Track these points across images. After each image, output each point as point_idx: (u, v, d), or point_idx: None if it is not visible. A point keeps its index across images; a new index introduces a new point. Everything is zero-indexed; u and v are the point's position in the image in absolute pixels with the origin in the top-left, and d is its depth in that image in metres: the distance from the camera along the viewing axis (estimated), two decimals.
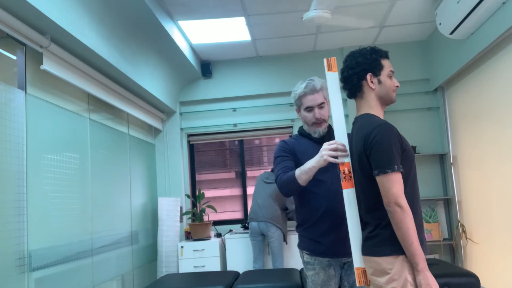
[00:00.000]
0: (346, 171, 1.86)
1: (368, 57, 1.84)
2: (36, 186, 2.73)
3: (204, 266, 4.68)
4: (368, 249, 1.74)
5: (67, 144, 3.15)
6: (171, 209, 4.79)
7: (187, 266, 4.69)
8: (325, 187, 2.15)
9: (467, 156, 4.51)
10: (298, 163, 2.13)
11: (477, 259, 4.42)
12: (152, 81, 4.42)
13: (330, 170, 2.14)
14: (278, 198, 4.52)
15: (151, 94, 4.44)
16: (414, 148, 5.10)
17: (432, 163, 5.21)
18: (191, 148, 5.63)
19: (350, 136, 1.93)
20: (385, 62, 1.86)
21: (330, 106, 1.97)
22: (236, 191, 5.60)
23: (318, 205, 2.15)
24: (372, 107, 1.85)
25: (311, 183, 2.08)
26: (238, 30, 4.55)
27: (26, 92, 2.70)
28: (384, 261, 1.67)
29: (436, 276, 1.75)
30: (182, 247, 4.71)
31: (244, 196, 5.54)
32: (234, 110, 5.46)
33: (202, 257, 4.70)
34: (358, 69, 1.84)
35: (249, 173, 5.58)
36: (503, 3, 3.32)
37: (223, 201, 5.60)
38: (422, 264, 1.59)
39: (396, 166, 1.65)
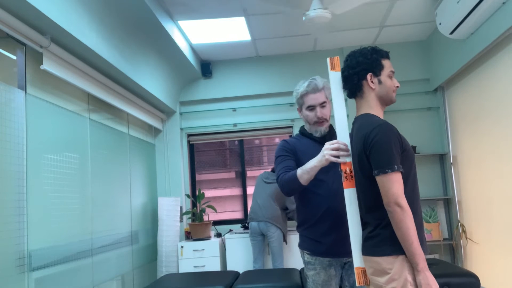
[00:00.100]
0: (348, 171, 1.86)
1: (368, 57, 1.84)
2: (36, 186, 2.73)
3: (204, 266, 4.68)
4: (368, 249, 1.74)
5: (67, 144, 3.15)
6: (171, 209, 4.79)
7: (187, 266, 4.69)
8: (326, 187, 2.15)
9: (467, 156, 4.51)
10: (299, 163, 2.13)
11: (477, 259, 4.42)
12: (152, 81, 4.42)
13: (331, 170, 2.14)
14: (278, 198, 4.52)
15: (151, 94, 4.44)
16: (414, 148, 5.10)
17: (432, 163, 5.21)
18: (191, 148, 5.63)
19: (350, 136, 1.93)
20: (385, 62, 1.86)
21: (332, 105, 1.97)
22: (236, 191, 5.60)
23: (319, 205, 2.15)
24: (372, 107, 1.85)
25: (312, 183, 2.08)
26: (238, 30, 4.55)
27: (26, 92, 2.70)
28: (384, 261, 1.67)
29: (436, 276, 1.75)
30: (182, 247, 4.71)
31: (244, 196, 5.54)
32: (234, 110, 5.46)
33: (202, 257, 4.70)
34: (359, 68, 1.84)
35: (249, 173, 5.58)
36: (503, 3, 3.32)
37: (223, 201, 5.60)
38: (422, 264, 1.59)
39: (396, 166, 1.65)
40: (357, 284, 1.81)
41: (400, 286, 1.62)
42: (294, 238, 4.68)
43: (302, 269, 3.63)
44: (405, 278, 1.62)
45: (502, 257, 3.85)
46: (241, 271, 4.63)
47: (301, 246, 2.25)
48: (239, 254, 4.78)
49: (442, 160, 5.18)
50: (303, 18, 3.61)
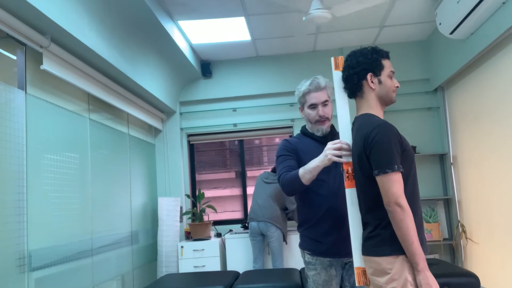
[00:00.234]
0: (350, 171, 1.86)
1: (369, 57, 1.84)
2: (36, 186, 2.72)
3: (204, 266, 4.68)
4: (368, 249, 1.74)
5: (67, 144, 3.15)
6: (171, 209, 4.79)
7: (187, 266, 4.69)
8: (327, 187, 2.15)
9: (467, 156, 4.51)
10: (301, 163, 2.13)
11: (477, 259, 4.42)
12: (152, 81, 4.42)
13: (332, 170, 2.14)
14: (278, 198, 4.52)
15: (151, 94, 4.44)
16: (414, 148, 5.10)
17: (432, 163, 5.21)
18: (191, 148, 5.63)
19: None
20: (385, 63, 1.86)
21: (335, 105, 1.97)
22: (236, 191, 5.60)
23: (320, 205, 2.15)
24: (372, 107, 1.85)
25: (313, 183, 2.08)
26: (238, 30, 4.55)
27: (26, 92, 2.70)
28: (384, 261, 1.67)
29: (436, 276, 1.75)
30: (182, 247, 4.71)
31: (244, 196, 5.54)
32: (234, 110, 5.46)
33: (202, 257, 4.70)
34: (359, 68, 1.84)
35: (249, 173, 5.58)
36: (503, 3, 3.32)
37: (223, 201, 5.60)
38: (422, 264, 1.59)
39: (396, 166, 1.65)
40: (357, 284, 1.81)
41: (400, 286, 1.62)
42: (294, 238, 4.68)
43: (302, 269, 3.63)
44: (405, 278, 1.62)
45: (502, 257, 3.85)
46: (241, 271, 4.63)
47: (302, 246, 2.25)
48: (239, 254, 4.78)
49: (442, 160, 5.18)
50: (303, 18, 3.61)
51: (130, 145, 4.43)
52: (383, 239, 1.69)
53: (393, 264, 1.65)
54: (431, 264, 3.25)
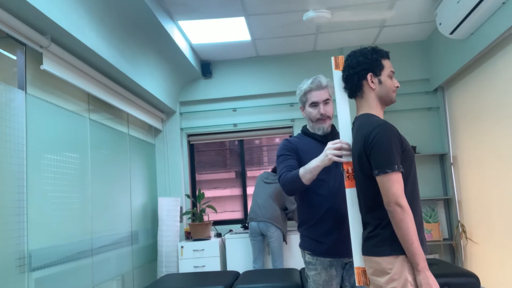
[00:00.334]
0: (350, 170, 1.86)
1: (369, 57, 1.84)
2: (36, 186, 2.72)
3: (204, 266, 4.68)
4: (368, 249, 1.74)
5: (67, 144, 3.15)
6: (171, 209, 4.79)
7: (187, 266, 4.69)
8: (327, 187, 2.15)
9: (467, 156, 4.51)
10: (301, 162, 2.13)
11: (477, 259, 4.42)
12: (152, 81, 4.42)
13: (332, 170, 2.14)
14: (278, 198, 4.52)
15: (151, 94, 4.44)
16: (414, 148, 5.10)
17: (432, 163, 5.21)
18: (191, 148, 5.63)
19: None
20: (385, 63, 1.87)
21: (336, 104, 1.97)
22: (236, 191, 5.60)
23: (320, 205, 2.15)
24: (372, 107, 1.85)
25: (314, 183, 2.08)
26: (238, 30, 4.55)
27: (26, 92, 2.70)
28: (384, 261, 1.67)
29: (436, 276, 1.75)
30: (182, 247, 4.71)
31: (244, 196, 5.54)
32: (234, 110, 5.46)
33: (202, 257, 4.70)
34: (359, 68, 1.84)
35: (249, 173, 5.58)
36: (503, 3, 3.32)
37: (223, 201, 5.60)
38: (423, 264, 1.59)
39: (396, 166, 1.65)
40: (357, 284, 1.81)
41: (400, 286, 1.62)
42: (294, 238, 4.68)
43: (302, 269, 3.63)
44: (405, 278, 1.62)
45: (502, 257, 3.85)
46: (241, 271, 4.63)
47: (302, 246, 2.25)
48: (239, 254, 4.78)
49: (442, 160, 5.18)
50: (303, 18, 3.61)
51: (130, 145, 4.43)
52: (383, 239, 1.69)
53: (393, 264, 1.65)
54: (431, 264, 3.24)
